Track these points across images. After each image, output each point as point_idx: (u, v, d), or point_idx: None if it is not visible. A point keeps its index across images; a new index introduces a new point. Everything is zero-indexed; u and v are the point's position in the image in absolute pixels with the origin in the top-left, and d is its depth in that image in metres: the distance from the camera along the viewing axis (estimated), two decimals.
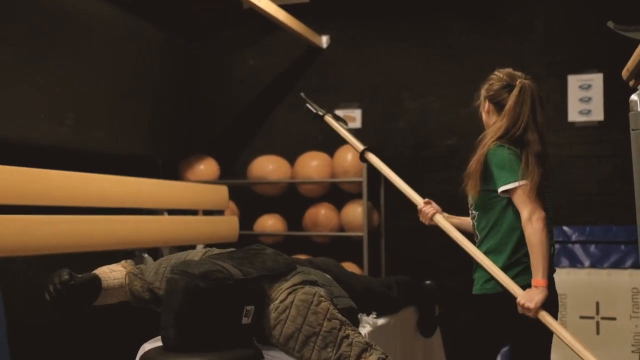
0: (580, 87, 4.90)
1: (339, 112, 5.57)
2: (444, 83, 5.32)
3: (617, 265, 4.49)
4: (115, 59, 4.85)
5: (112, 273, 2.56)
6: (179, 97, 5.73)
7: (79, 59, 4.46)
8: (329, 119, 3.65)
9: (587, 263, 4.52)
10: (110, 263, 2.65)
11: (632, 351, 4.28)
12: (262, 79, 5.86)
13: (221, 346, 2.18)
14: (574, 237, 4.61)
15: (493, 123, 2.77)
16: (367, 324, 2.70)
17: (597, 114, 4.86)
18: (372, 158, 3.39)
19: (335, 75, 5.63)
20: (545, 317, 2.55)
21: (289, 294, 2.33)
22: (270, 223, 5.46)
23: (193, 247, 4.98)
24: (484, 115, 2.87)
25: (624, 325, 4.34)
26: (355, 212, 5.16)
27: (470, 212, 2.85)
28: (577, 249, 4.58)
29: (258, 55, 5.88)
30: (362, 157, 3.42)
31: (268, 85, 5.85)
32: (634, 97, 2.00)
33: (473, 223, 2.83)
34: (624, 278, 4.44)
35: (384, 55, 5.50)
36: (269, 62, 5.84)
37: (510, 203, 2.65)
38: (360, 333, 2.33)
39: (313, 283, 2.43)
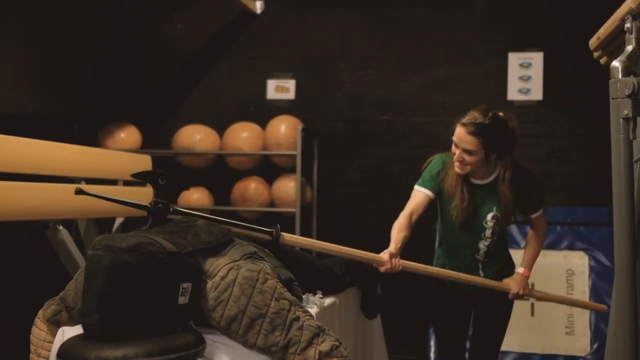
0: (521, 65, 4.82)
1: (272, 82, 5.32)
2: (382, 56, 5.14)
3: (553, 246, 4.43)
4: (30, 14, 4.42)
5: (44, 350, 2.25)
6: (100, 60, 5.31)
7: None
8: None
9: (522, 244, 4.43)
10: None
11: (566, 333, 4.25)
12: (190, 43, 5.50)
13: (155, 332, 1.89)
14: None
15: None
16: (315, 305, 2.48)
17: (537, 94, 4.80)
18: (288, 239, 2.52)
19: (268, 43, 5.36)
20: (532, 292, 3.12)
21: (230, 269, 2.06)
22: (195, 197, 5.15)
23: (112, 220, 4.63)
24: None
25: (558, 306, 4.29)
26: (287, 187, 4.93)
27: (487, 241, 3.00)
28: (513, 229, 4.48)
29: (187, 19, 5.50)
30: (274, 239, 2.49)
31: (197, 51, 5.50)
32: (615, 63, 1.82)
33: (487, 248, 3.01)
34: (559, 259, 4.40)
35: (320, 24, 5.26)
36: (198, 26, 5.48)
37: None
38: (312, 315, 2.10)
39: (252, 255, 2.18)
